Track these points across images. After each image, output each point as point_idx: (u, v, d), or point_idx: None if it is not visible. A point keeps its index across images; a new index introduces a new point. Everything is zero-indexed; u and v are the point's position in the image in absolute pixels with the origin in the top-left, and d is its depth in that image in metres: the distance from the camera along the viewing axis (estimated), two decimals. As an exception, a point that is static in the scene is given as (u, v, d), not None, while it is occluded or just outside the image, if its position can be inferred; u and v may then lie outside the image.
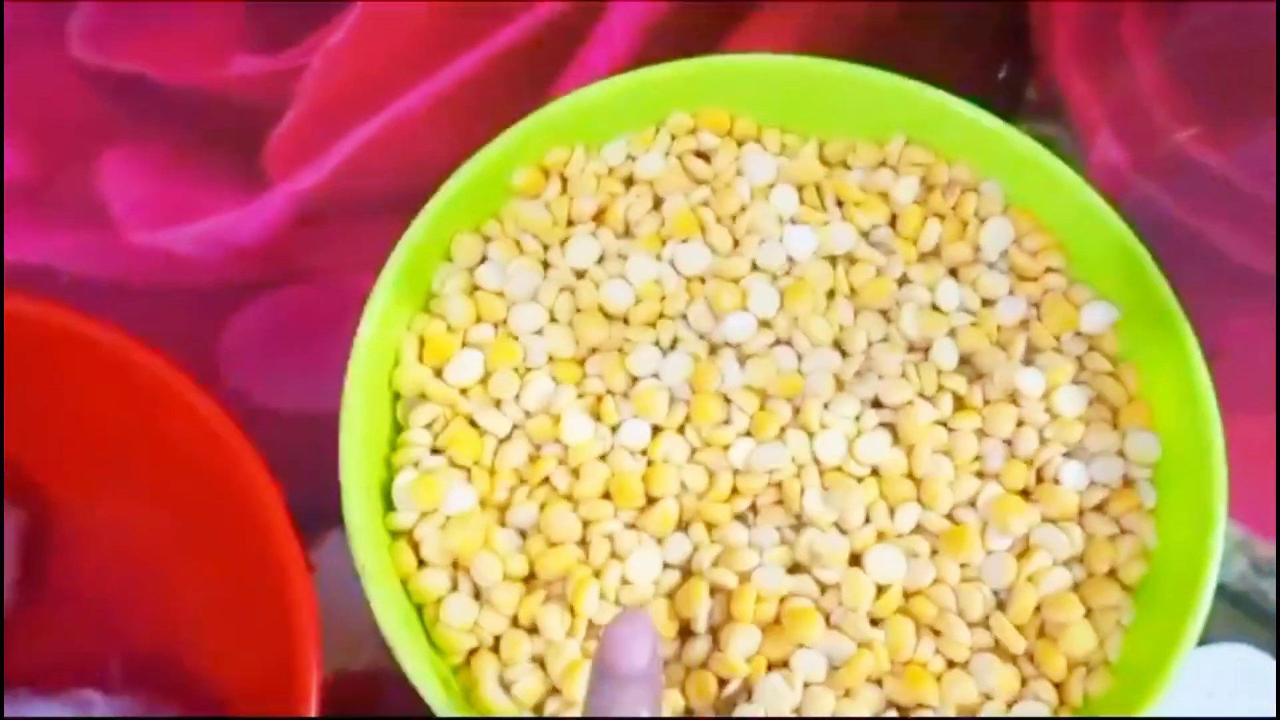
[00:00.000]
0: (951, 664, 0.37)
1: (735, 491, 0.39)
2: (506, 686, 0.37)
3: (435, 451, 0.39)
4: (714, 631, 0.37)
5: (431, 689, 0.35)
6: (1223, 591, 0.47)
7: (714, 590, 0.37)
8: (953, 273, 0.42)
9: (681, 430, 0.40)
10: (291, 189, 0.50)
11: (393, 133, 0.51)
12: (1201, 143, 0.55)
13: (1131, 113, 0.55)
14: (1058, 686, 0.37)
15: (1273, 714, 0.42)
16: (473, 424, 0.39)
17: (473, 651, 0.37)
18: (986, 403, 0.40)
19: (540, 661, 0.37)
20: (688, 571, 0.38)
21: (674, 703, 0.36)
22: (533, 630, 0.37)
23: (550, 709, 0.36)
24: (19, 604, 0.40)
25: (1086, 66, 0.56)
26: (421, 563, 0.38)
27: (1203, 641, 0.43)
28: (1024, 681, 0.37)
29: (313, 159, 0.50)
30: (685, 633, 0.37)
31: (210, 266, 0.49)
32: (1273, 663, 0.43)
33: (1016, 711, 0.37)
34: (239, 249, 0.49)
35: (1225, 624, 0.46)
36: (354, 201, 0.50)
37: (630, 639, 0.30)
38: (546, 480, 0.39)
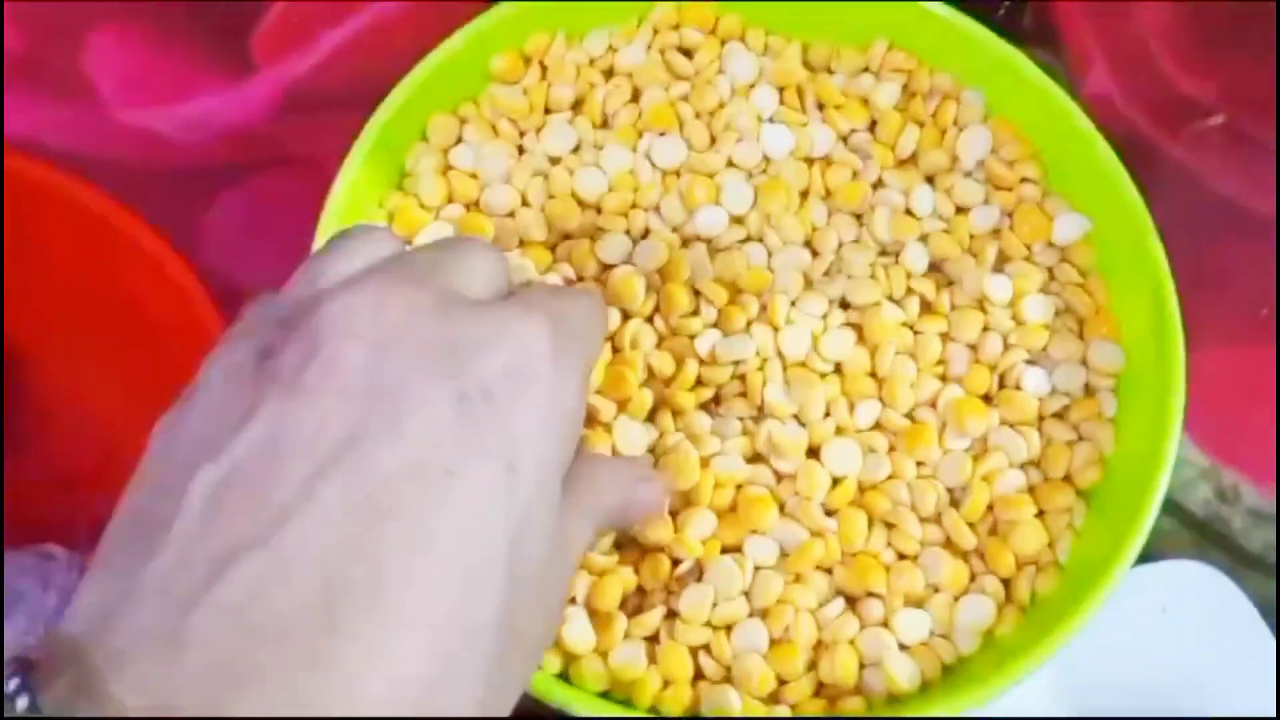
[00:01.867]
0: (902, 556, 0.37)
1: (700, 381, 0.39)
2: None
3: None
4: (672, 515, 0.38)
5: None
6: (1187, 517, 0.47)
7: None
8: (929, 179, 0.42)
9: (650, 319, 0.40)
10: (278, 76, 0.50)
11: (381, 24, 0.51)
12: (1195, 76, 0.55)
13: (1126, 44, 0.55)
14: (1006, 583, 0.38)
15: (1228, 629, 0.43)
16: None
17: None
18: (954, 307, 0.40)
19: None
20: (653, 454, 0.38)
21: (627, 580, 0.37)
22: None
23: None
24: (-13, 462, 0.41)
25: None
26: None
27: (1164, 559, 0.44)
28: (973, 577, 0.38)
29: (300, 47, 0.50)
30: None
31: (194, 148, 0.49)
32: (1227, 580, 0.43)
33: (963, 604, 0.37)
34: (223, 132, 0.49)
35: (1188, 547, 0.46)
36: (339, 91, 0.50)
37: None
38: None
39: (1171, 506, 0.47)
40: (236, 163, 0.49)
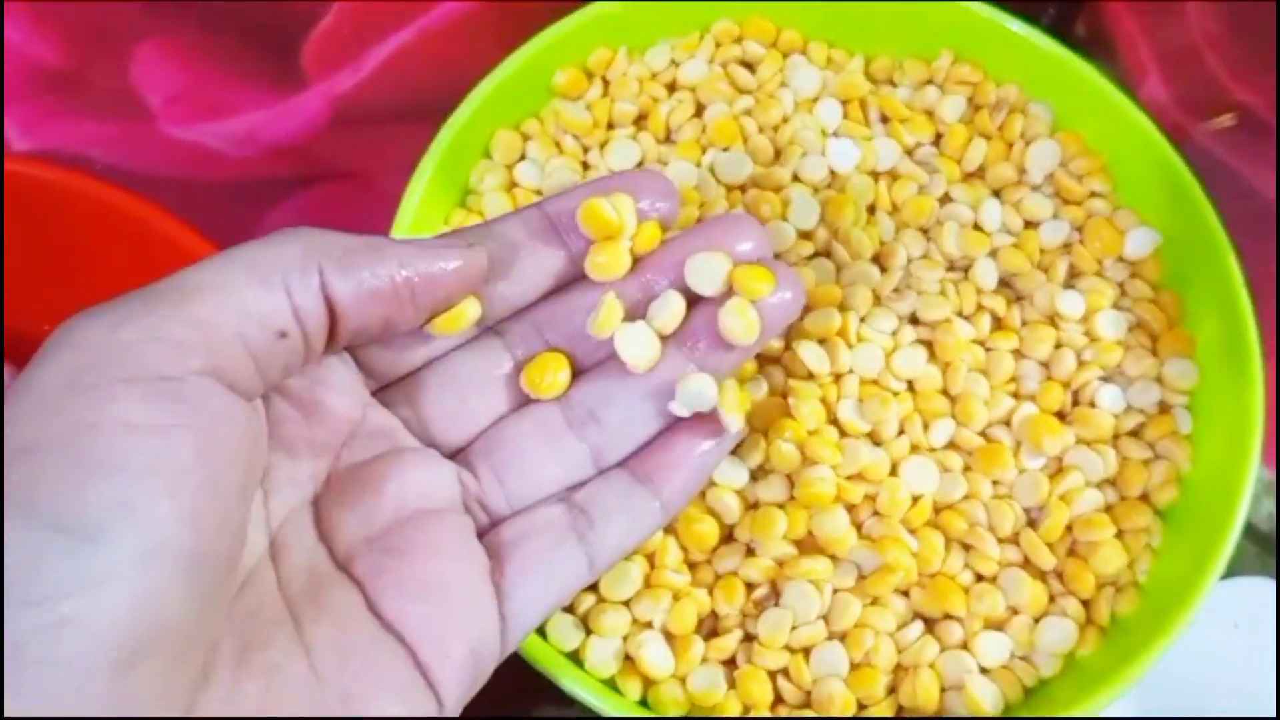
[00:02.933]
0: (980, 578, 0.37)
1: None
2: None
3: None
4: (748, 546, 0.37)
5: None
6: (1251, 532, 0.47)
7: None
8: (996, 193, 0.42)
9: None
10: (328, 90, 0.50)
11: (431, 38, 0.50)
12: (1249, 88, 0.54)
13: (1180, 53, 0.54)
14: (1085, 605, 0.37)
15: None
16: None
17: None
18: (1025, 324, 0.40)
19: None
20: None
21: (702, 603, 0.36)
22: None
23: (582, 606, 0.36)
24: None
25: (1136, 4, 0.55)
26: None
27: (1231, 575, 0.43)
28: (1052, 599, 0.37)
29: (350, 61, 0.50)
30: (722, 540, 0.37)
31: (245, 163, 0.48)
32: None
33: (1043, 627, 0.36)
34: (274, 147, 0.49)
35: (1252, 563, 0.46)
36: (390, 105, 0.49)
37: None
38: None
39: (1237, 522, 0.46)
40: (287, 177, 0.48)
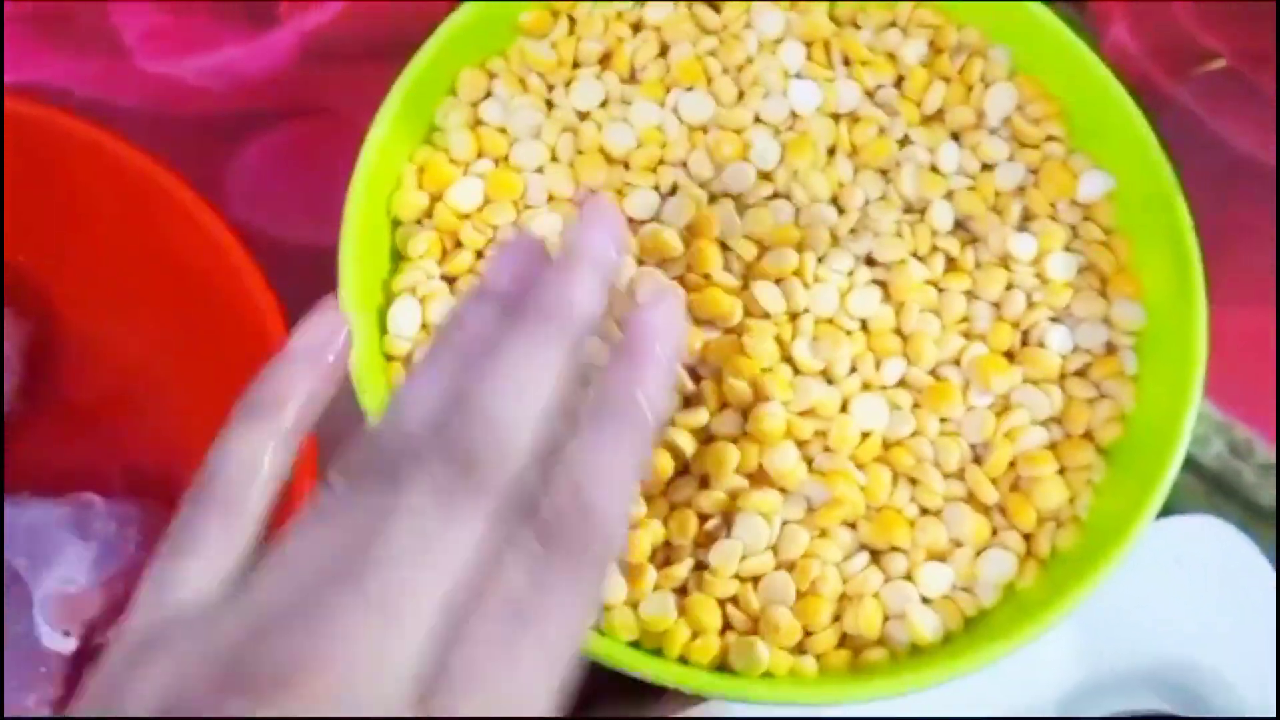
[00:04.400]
0: (925, 511, 0.38)
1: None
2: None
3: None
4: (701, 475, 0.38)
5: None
6: (1200, 470, 0.48)
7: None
8: (955, 136, 0.43)
9: (681, 278, 0.40)
10: (299, 26, 0.50)
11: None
12: (1216, 33, 0.55)
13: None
14: (1027, 538, 0.38)
15: (1239, 581, 0.44)
16: (478, 254, 0.40)
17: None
18: (978, 265, 0.41)
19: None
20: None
21: (656, 534, 0.37)
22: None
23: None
24: (24, 412, 0.42)
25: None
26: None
27: (1177, 513, 0.45)
28: (994, 532, 0.38)
29: (321, -1, 0.50)
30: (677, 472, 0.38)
31: (219, 98, 0.49)
32: (1238, 534, 0.44)
33: (985, 559, 0.38)
34: (247, 82, 0.49)
35: (1200, 501, 0.47)
36: (360, 43, 0.50)
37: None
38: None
39: (1186, 461, 0.47)
40: (259, 111, 0.49)
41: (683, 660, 0.36)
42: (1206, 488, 0.48)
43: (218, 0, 0.51)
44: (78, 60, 0.50)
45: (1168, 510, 0.43)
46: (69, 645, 0.36)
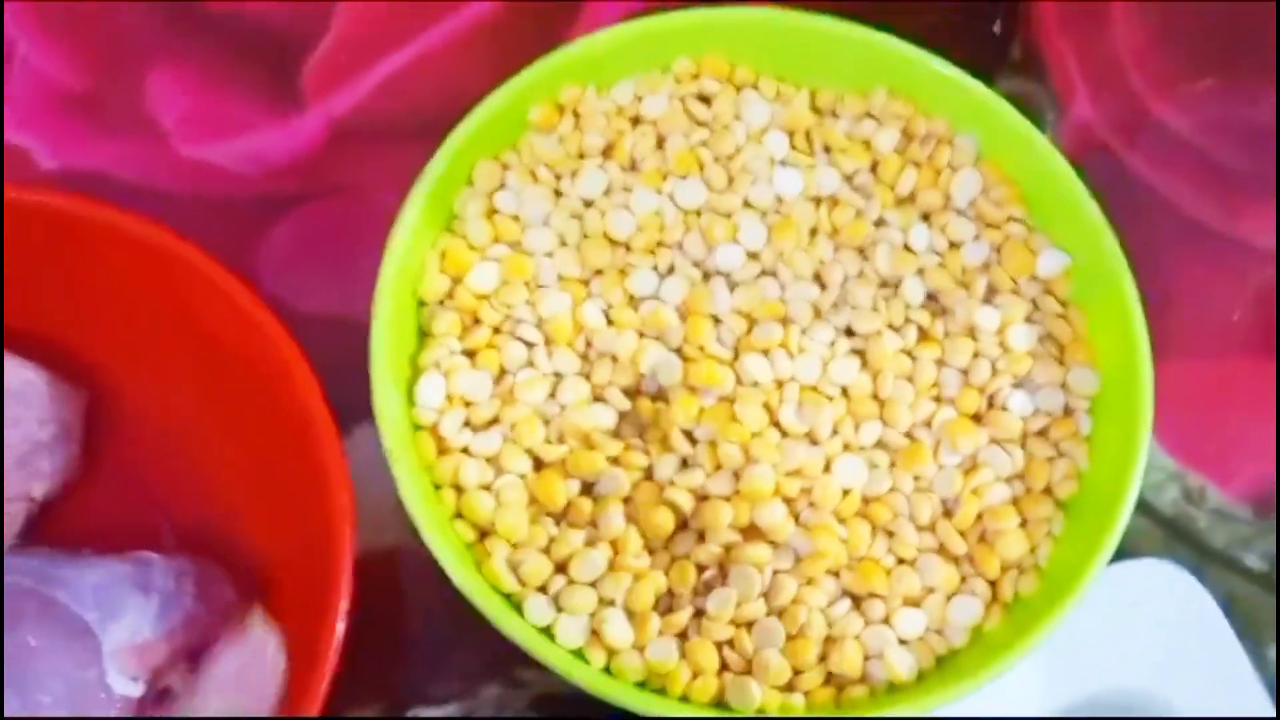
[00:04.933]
0: (901, 561, 0.42)
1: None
2: (514, 567, 0.41)
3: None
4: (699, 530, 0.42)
5: (448, 557, 0.40)
6: (1156, 516, 0.52)
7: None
8: (925, 217, 0.47)
9: (679, 350, 0.44)
10: (326, 111, 0.54)
11: (420, 64, 0.55)
12: (1169, 104, 0.59)
13: (1108, 73, 0.59)
14: (992, 585, 0.42)
15: (1190, 623, 0.47)
16: (495, 330, 0.44)
17: (485, 534, 0.42)
18: (947, 335, 0.45)
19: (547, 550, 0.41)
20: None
21: (659, 586, 0.41)
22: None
23: (554, 588, 0.41)
24: (80, 478, 0.45)
25: (1069, 25, 0.60)
26: (442, 451, 0.42)
27: (1136, 556, 0.49)
28: (963, 579, 0.42)
29: (346, 84, 0.55)
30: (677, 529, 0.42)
31: (250, 180, 0.53)
32: (1191, 578, 0.48)
33: (955, 604, 0.42)
34: (276, 165, 0.53)
35: (1157, 544, 0.51)
36: (384, 125, 0.54)
37: None
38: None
39: (1144, 506, 0.51)
40: (289, 193, 0.53)
41: (684, 699, 0.40)
42: (1163, 532, 0.52)
43: (246, 83, 0.55)
44: (115, 144, 0.53)
45: (1129, 551, 0.47)
46: (137, 690, 0.40)
